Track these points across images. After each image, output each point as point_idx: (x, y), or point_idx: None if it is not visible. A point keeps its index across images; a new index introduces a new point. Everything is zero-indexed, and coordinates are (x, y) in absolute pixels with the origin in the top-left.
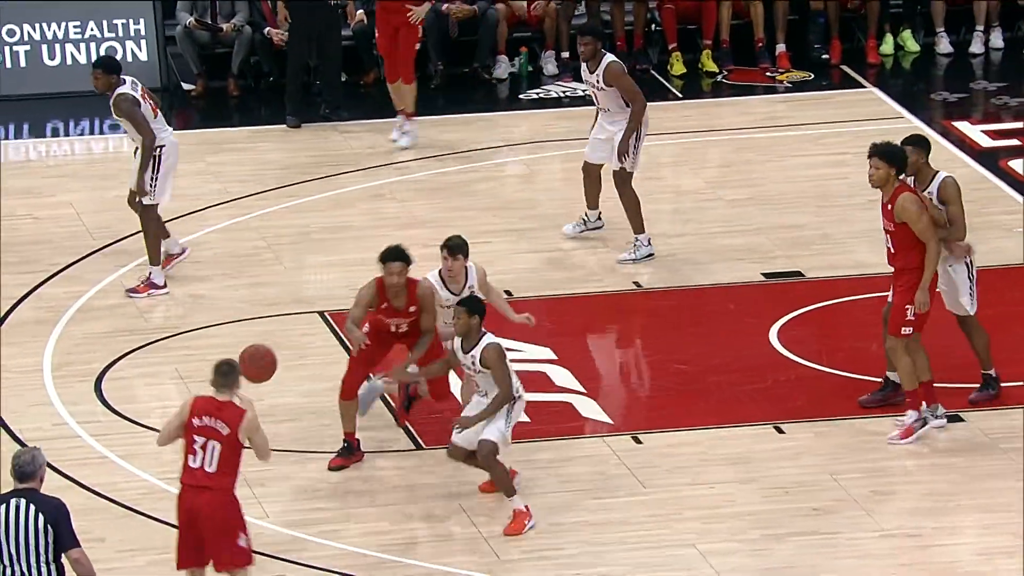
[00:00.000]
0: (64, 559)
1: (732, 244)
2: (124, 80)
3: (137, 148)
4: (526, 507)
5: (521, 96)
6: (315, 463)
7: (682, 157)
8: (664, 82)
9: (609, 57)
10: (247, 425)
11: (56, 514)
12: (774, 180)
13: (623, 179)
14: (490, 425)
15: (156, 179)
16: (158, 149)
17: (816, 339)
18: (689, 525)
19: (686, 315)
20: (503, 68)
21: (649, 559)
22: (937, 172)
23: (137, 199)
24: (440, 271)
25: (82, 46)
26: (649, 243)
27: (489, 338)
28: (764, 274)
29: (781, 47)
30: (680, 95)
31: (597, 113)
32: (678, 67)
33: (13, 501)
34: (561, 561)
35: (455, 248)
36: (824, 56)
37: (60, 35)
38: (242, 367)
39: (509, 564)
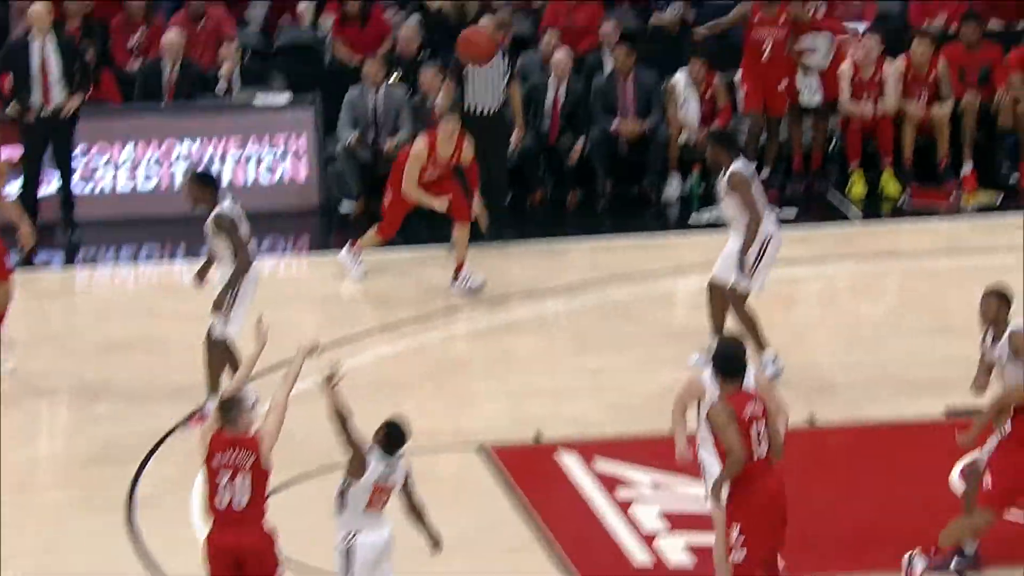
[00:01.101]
0: None
1: (915, 377)
2: (225, 196)
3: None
4: None
5: (691, 222)
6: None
7: (860, 282)
8: (843, 203)
9: (737, 164)
10: (267, 444)
11: None
12: (959, 309)
13: (735, 298)
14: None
15: (232, 305)
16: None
17: None
18: None
19: (864, 453)
20: (674, 187)
21: None
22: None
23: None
24: None
25: (241, 161)
26: (775, 359)
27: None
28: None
29: (968, 167)
30: (859, 216)
31: None
32: (859, 188)
33: None
34: None
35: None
36: (1014, 179)
37: (220, 150)
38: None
39: None
